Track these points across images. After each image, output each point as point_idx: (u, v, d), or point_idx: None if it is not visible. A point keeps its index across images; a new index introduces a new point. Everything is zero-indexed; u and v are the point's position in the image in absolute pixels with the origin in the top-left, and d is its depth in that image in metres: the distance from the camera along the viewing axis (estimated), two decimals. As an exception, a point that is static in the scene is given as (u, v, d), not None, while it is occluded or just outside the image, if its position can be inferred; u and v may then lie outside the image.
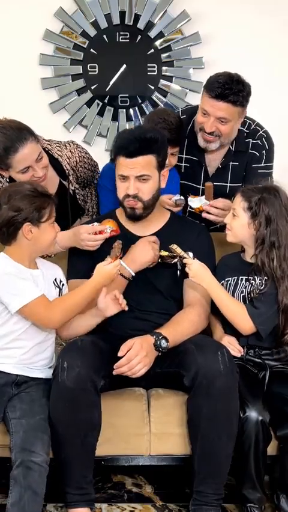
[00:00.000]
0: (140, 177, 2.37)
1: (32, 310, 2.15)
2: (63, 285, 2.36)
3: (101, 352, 2.24)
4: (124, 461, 2.34)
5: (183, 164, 2.80)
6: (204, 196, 2.60)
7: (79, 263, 2.46)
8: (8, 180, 2.62)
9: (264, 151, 2.79)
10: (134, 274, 2.40)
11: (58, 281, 2.34)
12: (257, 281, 2.32)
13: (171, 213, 2.59)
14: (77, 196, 2.84)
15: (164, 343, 2.27)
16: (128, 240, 2.45)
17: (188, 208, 2.71)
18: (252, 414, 2.17)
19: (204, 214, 2.61)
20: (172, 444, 2.29)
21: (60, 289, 2.33)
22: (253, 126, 2.80)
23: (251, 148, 2.78)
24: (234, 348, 2.35)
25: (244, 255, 2.44)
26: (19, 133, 2.47)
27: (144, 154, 2.35)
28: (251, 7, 3.59)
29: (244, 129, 2.78)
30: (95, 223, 2.46)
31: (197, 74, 3.67)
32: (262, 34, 3.62)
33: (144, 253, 2.40)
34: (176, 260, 2.33)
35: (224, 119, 2.60)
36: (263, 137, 2.79)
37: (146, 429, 2.29)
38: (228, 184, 2.82)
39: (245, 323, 2.29)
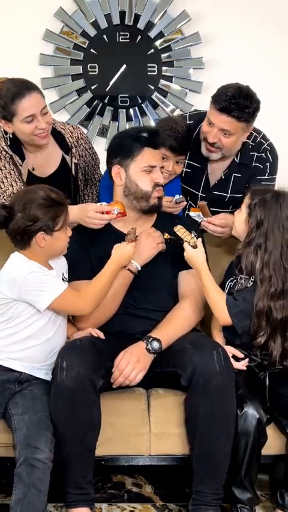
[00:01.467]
0: (161, 168, 2.50)
1: (63, 303, 2.20)
2: (66, 279, 2.37)
3: (100, 351, 2.24)
4: (124, 461, 2.35)
5: (184, 169, 2.81)
6: (201, 213, 2.61)
7: (79, 266, 2.46)
8: (6, 144, 2.65)
9: (268, 164, 2.79)
10: (139, 268, 2.42)
11: (65, 275, 2.37)
12: (243, 280, 2.33)
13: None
14: (79, 177, 2.85)
15: (155, 344, 2.29)
16: (121, 238, 2.45)
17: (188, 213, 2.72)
18: (250, 411, 2.18)
19: (202, 227, 2.61)
20: (172, 444, 2.29)
21: (66, 280, 2.36)
22: (259, 139, 2.79)
23: (255, 161, 2.78)
24: (233, 351, 2.34)
25: None
26: (27, 83, 2.57)
27: (162, 148, 2.54)
28: (251, 7, 3.59)
29: (249, 142, 2.77)
30: (104, 203, 2.47)
31: (197, 74, 3.67)
32: (262, 34, 3.62)
33: (148, 247, 2.43)
34: (178, 241, 2.37)
35: (227, 132, 2.60)
36: (267, 151, 2.79)
37: (145, 429, 2.29)
38: (228, 195, 2.83)
39: (222, 313, 2.29)
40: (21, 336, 2.22)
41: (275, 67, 3.65)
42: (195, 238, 2.34)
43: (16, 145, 2.69)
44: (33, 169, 2.72)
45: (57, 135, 2.75)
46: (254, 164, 2.79)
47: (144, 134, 2.46)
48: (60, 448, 2.14)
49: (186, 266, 2.43)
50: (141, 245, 2.43)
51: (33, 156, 2.71)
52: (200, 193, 2.84)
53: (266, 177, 2.79)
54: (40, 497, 2.03)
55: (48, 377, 2.26)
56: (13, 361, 2.22)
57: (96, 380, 2.16)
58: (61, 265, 2.36)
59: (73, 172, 2.80)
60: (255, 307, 2.25)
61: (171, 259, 2.47)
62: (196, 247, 2.33)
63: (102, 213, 2.42)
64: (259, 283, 2.26)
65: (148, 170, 2.44)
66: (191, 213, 2.62)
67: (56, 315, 2.26)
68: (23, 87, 2.53)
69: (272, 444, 2.27)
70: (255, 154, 2.78)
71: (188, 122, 2.79)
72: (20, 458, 2.05)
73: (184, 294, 2.46)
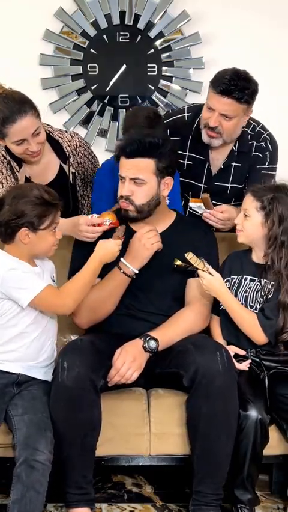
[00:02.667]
0: (134, 180, 2.35)
1: (43, 301, 2.17)
2: (54, 281, 2.36)
3: (101, 352, 2.24)
4: (124, 461, 2.34)
5: (185, 162, 2.79)
6: (203, 204, 2.58)
7: (81, 264, 2.46)
8: (4, 149, 2.65)
9: (267, 153, 2.78)
10: (136, 272, 2.39)
11: (53, 277, 2.35)
12: (269, 285, 2.32)
13: (176, 213, 2.59)
14: (77, 184, 2.84)
15: (152, 344, 2.28)
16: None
17: (188, 209, 2.71)
18: (253, 412, 2.17)
19: (203, 216, 2.60)
20: (172, 444, 2.29)
21: (55, 282, 2.35)
22: (258, 128, 2.79)
23: (254, 150, 2.77)
24: (236, 349, 2.35)
25: (252, 255, 2.42)
26: (20, 105, 2.51)
27: (142, 157, 2.34)
28: (251, 7, 3.59)
29: (248, 130, 2.77)
30: (94, 215, 2.45)
31: (197, 74, 3.67)
32: (262, 34, 3.62)
33: (140, 249, 2.38)
34: (190, 268, 2.32)
35: (228, 115, 2.59)
36: (266, 140, 2.78)
37: (146, 429, 2.29)
38: (229, 185, 2.82)
39: (258, 333, 2.29)
40: (10, 335, 2.21)
41: (275, 66, 3.66)
42: (207, 264, 2.31)
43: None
44: (29, 177, 2.71)
45: (55, 144, 2.74)
46: (253, 153, 2.77)
47: (119, 142, 2.42)
48: (61, 448, 2.14)
49: (194, 274, 2.42)
50: (134, 248, 2.39)
51: (30, 166, 2.71)
52: (202, 185, 2.82)
53: (266, 166, 2.77)
54: (38, 498, 2.03)
55: (46, 377, 2.26)
56: (8, 363, 2.22)
57: (97, 380, 2.16)
58: (50, 267, 2.36)
59: (71, 180, 2.80)
60: (282, 304, 2.27)
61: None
62: (211, 274, 2.31)
63: (94, 225, 2.41)
64: (285, 278, 2.27)
65: (120, 181, 2.39)
66: (192, 204, 2.59)
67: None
68: (15, 111, 2.48)
69: (273, 445, 2.27)
70: (254, 143, 2.77)
71: (186, 114, 2.79)
72: (20, 458, 2.04)
73: (190, 301, 2.44)
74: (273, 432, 2.26)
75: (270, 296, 2.31)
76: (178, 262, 2.34)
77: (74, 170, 2.80)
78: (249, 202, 2.33)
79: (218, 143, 2.70)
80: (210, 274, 2.31)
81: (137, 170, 2.34)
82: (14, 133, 2.50)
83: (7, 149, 2.66)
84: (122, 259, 2.38)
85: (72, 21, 3.61)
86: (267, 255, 2.32)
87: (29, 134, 2.52)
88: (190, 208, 2.65)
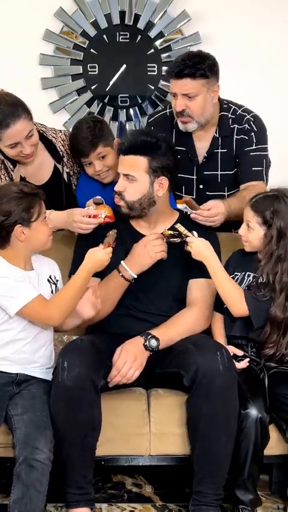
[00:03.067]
0: (126, 176, 2.39)
1: (30, 311, 2.16)
2: (57, 281, 2.35)
3: (101, 352, 2.24)
4: (124, 461, 2.34)
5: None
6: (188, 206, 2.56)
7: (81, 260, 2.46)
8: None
9: (253, 134, 2.74)
10: (135, 276, 2.39)
11: (53, 278, 2.33)
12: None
13: (179, 213, 2.59)
14: (73, 183, 2.84)
15: (153, 342, 2.29)
16: (135, 239, 2.46)
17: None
18: (253, 411, 2.17)
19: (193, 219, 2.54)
20: (172, 444, 2.29)
21: (55, 286, 2.33)
22: (239, 112, 2.76)
23: (236, 133, 2.74)
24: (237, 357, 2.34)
25: (258, 253, 2.40)
26: (13, 108, 2.52)
27: (135, 154, 2.38)
28: (251, 7, 3.59)
29: (229, 115, 2.76)
30: (91, 207, 2.46)
31: (197, 74, 3.66)
32: (262, 34, 3.62)
33: (142, 256, 2.39)
34: (180, 240, 2.33)
35: (189, 94, 2.60)
36: (250, 121, 2.75)
37: (146, 429, 2.29)
38: (219, 172, 2.80)
39: (238, 305, 2.28)
40: (7, 338, 2.20)
41: (275, 66, 3.65)
42: (196, 233, 2.32)
43: None
44: (24, 177, 2.71)
45: (48, 144, 2.75)
46: (236, 137, 2.74)
47: (121, 141, 2.47)
48: (61, 448, 2.14)
49: (197, 274, 2.42)
50: (137, 253, 2.40)
51: (24, 166, 2.71)
52: (194, 176, 2.81)
53: (254, 147, 2.74)
54: (39, 497, 2.03)
55: (46, 376, 2.26)
56: (6, 364, 2.21)
57: (97, 380, 2.16)
58: (49, 268, 2.35)
59: (65, 179, 2.80)
60: (271, 317, 2.25)
61: (183, 265, 2.45)
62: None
63: (90, 217, 2.42)
64: (277, 292, 2.26)
65: (117, 177, 2.44)
66: (179, 206, 2.58)
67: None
68: (9, 115, 2.49)
69: (273, 445, 2.27)
70: (236, 126, 2.75)
71: (168, 110, 2.82)
72: (20, 457, 2.04)
73: (191, 301, 2.44)
74: (273, 432, 2.26)
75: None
76: (166, 232, 2.35)
77: (68, 170, 2.80)
78: (251, 217, 2.32)
79: (193, 127, 2.70)
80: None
81: (130, 167, 2.38)
82: (7, 137, 2.52)
83: (0, 149, 2.66)
84: (122, 262, 2.38)
85: (72, 21, 3.61)
86: (262, 270, 2.30)
87: (22, 138, 2.54)
88: (178, 210, 2.62)
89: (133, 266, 2.39)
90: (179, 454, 2.30)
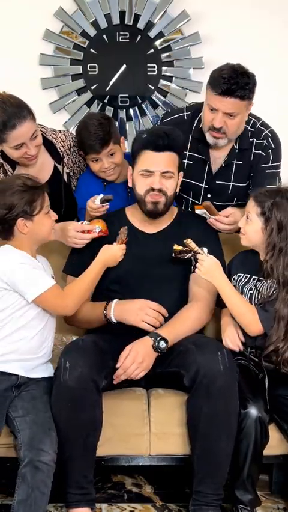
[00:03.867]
0: (165, 173, 2.40)
1: (46, 300, 2.19)
2: (52, 277, 2.35)
3: (103, 352, 2.24)
4: (124, 461, 2.35)
5: (185, 161, 2.75)
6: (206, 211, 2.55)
7: (80, 261, 2.46)
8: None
9: (270, 151, 2.74)
10: (114, 321, 2.39)
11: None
12: (268, 284, 2.30)
13: (178, 209, 2.60)
14: (73, 183, 2.85)
15: (162, 344, 2.28)
16: (137, 238, 2.46)
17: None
18: (253, 411, 2.17)
19: (210, 224, 2.56)
20: (172, 444, 2.29)
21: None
22: (258, 125, 2.75)
23: (255, 148, 2.73)
24: (234, 341, 2.32)
25: (261, 255, 2.41)
26: (18, 110, 2.52)
27: (171, 151, 2.40)
28: (251, 7, 3.59)
29: (249, 127, 2.73)
30: (85, 222, 2.47)
31: (197, 74, 3.66)
32: (262, 34, 3.62)
33: (131, 312, 2.36)
34: (189, 255, 2.31)
35: (233, 113, 2.55)
36: (268, 137, 2.74)
37: (146, 429, 2.29)
38: (231, 183, 2.79)
39: (253, 324, 2.27)
40: (13, 327, 2.21)
41: (276, 66, 3.65)
42: (206, 250, 2.29)
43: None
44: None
45: (48, 145, 2.75)
46: (254, 151, 2.73)
47: (144, 136, 2.44)
48: (63, 448, 2.14)
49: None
50: (130, 305, 2.37)
51: (25, 168, 2.70)
52: (203, 185, 2.79)
53: (270, 165, 2.74)
54: (43, 499, 2.03)
55: (44, 372, 2.26)
56: (9, 363, 2.21)
57: (99, 380, 2.16)
58: (46, 266, 2.37)
59: (65, 180, 2.81)
60: (276, 313, 2.25)
61: (184, 260, 2.45)
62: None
63: (84, 231, 2.42)
64: (281, 287, 2.25)
65: (145, 175, 2.41)
66: (197, 211, 2.57)
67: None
68: (14, 116, 2.49)
69: (273, 445, 2.27)
70: (255, 140, 2.73)
71: (185, 113, 2.78)
72: (25, 459, 2.04)
73: (194, 296, 2.45)
74: (274, 433, 2.26)
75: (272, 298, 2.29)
76: (176, 247, 2.32)
77: (68, 170, 2.81)
78: (251, 207, 2.33)
79: (223, 143, 2.66)
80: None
81: (167, 164, 2.39)
82: (13, 138, 2.52)
83: (1, 152, 2.66)
84: (114, 300, 2.39)
85: (72, 21, 3.61)
86: (266, 262, 2.30)
87: (27, 139, 2.54)
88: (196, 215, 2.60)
89: (119, 312, 2.38)
90: (179, 454, 2.30)
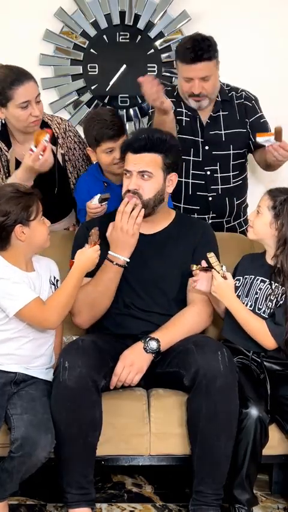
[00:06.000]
0: (142, 173, 2.38)
1: (28, 314, 2.17)
2: (57, 281, 2.36)
3: (102, 352, 2.25)
4: (124, 461, 2.35)
5: (183, 118, 2.93)
6: (273, 137, 2.68)
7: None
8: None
9: (254, 102, 3.02)
10: (128, 260, 2.38)
11: (53, 278, 2.35)
12: (279, 290, 2.30)
13: (176, 212, 2.59)
14: (67, 167, 2.88)
15: (153, 344, 2.29)
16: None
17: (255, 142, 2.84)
18: (253, 411, 2.17)
19: (268, 148, 2.71)
20: (172, 444, 2.30)
21: (55, 287, 2.34)
22: (231, 85, 3.04)
23: (236, 99, 2.99)
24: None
25: (266, 256, 2.42)
26: (24, 71, 2.68)
27: (150, 152, 2.39)
28: (251, 7, 3.59)
29: (225, 86, 3.01)
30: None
31: (197, 74, 3.66)
32: (262, 34, 3.62)
33: (123, 239, 2.36)
34: (208, 271, 2.31)
35: (206, 77, 2.79)
36: (244, 91, 3.03)
37: (146, 429, 2.29)
38: (223, 132, 2.97)
39: (268, 339, 2.27)
40: (5, 335, 2.21)
41: (275, 67, 3.65)
42: (224, 269, 2.30)
43: (3, 134, 2.77)
44: (20, 161, 2.73)
45: (44, 126, 2.79)
46: (236, 102, 2.98)
47: (129, 139, 2.47)
48: (62, 447, 2.15)
49: None
50: (117, 238, 2.37)
51: (21, 146, 2.74)
52: (200, 138, 2.96)
53: (259, 114, 3.02)
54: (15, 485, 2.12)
55: (46, 376, 2.26)
56: (7, 361, 2.22)
57: (98, 380, 2.16)
58: (50, 268, 2.36)
59: (60, 161, 2.83)
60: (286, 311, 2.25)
61: (182, 263, 2.45)
62: (226, 279, 2.29)
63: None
64: None
65: (126, 176, 2.42)
66: (259, 138, 2.71)
67: None
68: (21, 74, 2.63)
69: (273, 445, 2.27)
70: (234, 93, 3.00)
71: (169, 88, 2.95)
72: (15, 454, 2.05)
73: (192, 299, 2.45)
74: (274, 432, 2.26)
75: (281, 302, 2.29)
76: (194, 267, 2.33)
77: (63, 151, 2.84)
78: (264, 200, 2.34)
79: (206, 103, 2.89)
80: (226, 278, 2.28)
81: (145, 164, 2.38)
82: (20, 94, 2.60)
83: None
84: (110, 251, 2.38)
85: (72, 21, 3.60)
86: (277, 257, 2.31)
87: (33, 97, 2.63)
88: (257, 142, 2.77)
89: (122, 251, 2.37)
90: (179, 454, 2.31)
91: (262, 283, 2.35)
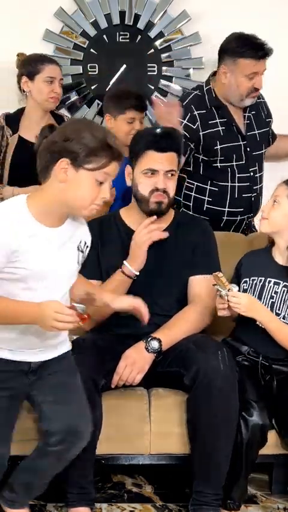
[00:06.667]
0: (168, 172, 2.40)
1: None
2: (87, 247, 2.02)
3: (102, 351, 2.25)
4: (124, 460, 2.35)
5: (220, 128, 3.03)
6: None
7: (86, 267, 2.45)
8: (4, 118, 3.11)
9: (263, 99, 3.25)
10: (136, 273, 2.40)
11: (83, 245, 2.00)
12: None
13: (175, 212, 2.60)
14: None
15: (154, 343, 2.29)
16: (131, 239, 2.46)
17: None
18: (256, 419, 2.16)
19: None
20: (172, 444, 2.30)
21: (83, 253, 2.00)
22: None
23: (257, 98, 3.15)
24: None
25: (273, 253, 2.35)
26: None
27: (173, 151, 2.41)
28: (251, 7, 3.59)
29: None
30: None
31: (197, 74, 3.65)
32: (262, 35, 3.60)
33: (135, 249, 2.40)
34: (223, 292, 2.17)
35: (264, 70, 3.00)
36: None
37: (146, 428, 2.29)
38: (256, 132, 3.13)
39: None
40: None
41: (275, 67, 3.64)
42: (236, 289, 2.20)
43: (14, 119, 3.11)
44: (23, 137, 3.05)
45: (56, 117, 3.16)
46: (257, 101, 3.11)
47: (149, 136, 2.44)
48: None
49: (197, 271, 2.42)
50: (131, 249, 2.40)
51: (29, 131, 3.01)
52: (241, 142, 3.06)
53: (269, 112, 3.25)
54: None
55: (62, 349, 2.05)
56: (18, 351, 1.95)
57: (98, 379, 2.16)
58: (82, 232, 2.00)
59: None
60: None
61: (183, 263, 2.45)
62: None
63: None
64: None
65: (149, 175, 2.41)
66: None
67: (48, 294, 1.87)
68: (52, 59, 3.12)
69: (273, 444, 2.27)
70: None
71: (197, 92, 3.08)
72: (53, 448, 2.01)
73: (193, 298, 2.44)
74: (274, 432, 2.26)
75: None
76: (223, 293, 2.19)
77: None
78: (282, 190, 2.28)
79: (254, 100, 3.07)
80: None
81: (171, 163, 2.41)
82: (49, 70, 3.01)
83: (7, 117, 3.13)
84: (125, 262, 2.40)
85: (72, 21, 3.60)
86: None
87: (58, 77, 3.04)
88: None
89: (132, 263, 2.40)
90: (179, 453, 2.31)
91: (276, 286, 2.28)
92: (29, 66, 3.02)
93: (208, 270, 2.37)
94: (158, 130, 2.47)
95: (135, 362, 2.27)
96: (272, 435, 2.25)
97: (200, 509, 2.21)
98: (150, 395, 2.35)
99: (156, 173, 2.40)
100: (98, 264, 2.45)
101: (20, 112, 3.19)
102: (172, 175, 2.42)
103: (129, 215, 2.53)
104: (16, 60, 3.19)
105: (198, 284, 2.43)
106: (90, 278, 2.35)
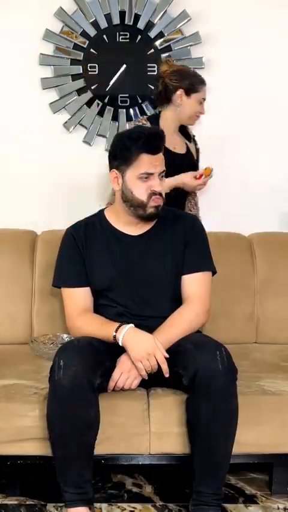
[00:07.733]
0: (161, 173, 2.38)
1: None
2: None
3: (98, 351, 2.24)
4: (124, 459, 2.35)
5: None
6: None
7: (73, 271, 2.45)
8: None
9: None
10: (121, 345, 2.28)
11: None
12: None
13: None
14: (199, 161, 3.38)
15: None
16: (122, 241, 2.44)
17: None
18: None
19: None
20: (172, 443, 2.30)
21: None
22: None
23: None
24: None
25: None
26: None
27: (161, 151, 2.39)
28: (251, 7, 3.59)
29: None
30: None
31: (197, 74, 3.66)
32: (262, 35, 3.62)
33: (136, 350, 2.25)
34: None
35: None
36: None
37: (145, 428, 2.29)
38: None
39: None
40: None
41: (275, 67, 3.65)
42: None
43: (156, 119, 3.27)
44: (174, 147, 3.17)
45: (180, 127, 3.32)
46: None
47: (139, 139, 2.33)
48: (58, 447, 2.14)
49: (189, 270, 2.41)
50: (133, 347, 2.25)
51: (173, 139, 3.18)
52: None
53: None
54: None
55: None
56: None
57: (94, 378, 2.15)
58: None
59: (195, 156, 3.30)
60: None
61: (174, 263, 2.44)
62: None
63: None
64: None
65: (144, 178, 2.36)
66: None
67: None
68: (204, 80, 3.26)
69: (273, 443, 2.27)
70: None
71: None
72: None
73: (187, 297, 2.43)
74: (275, 432, 2.26)
75: None
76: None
77: (198, 147, 3.34)
78: None
79: None
80: None
81: (162, 164, 2.39)
82: (203, 92, 3.21)
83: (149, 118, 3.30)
84: (129, 326, 2.29)
85: (72, 21, 3.60)
86: None
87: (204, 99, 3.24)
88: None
89: (127, 338, 2.26)
90: (178, 453, 2.31)
91: None
92: (190, 84, 3.18)
93: (201, 268, 2.37)
94: (146, 131, 2.37)
95: (131, 369, 2.27)
96: (272, 435, 2.25)
97: (200, 509, 2.20)
98: (149, 395, 2.35)
99: (151, 176, 2.35)
100: (85, 272, 2.43)
101: (158, 116, 3.29)
102: (162, 176, 2.39)
103: (115, 216, 2.49)
104: (164, 63, 3.31)
105: (192, 282, 2.41)
106: (78, 287, 2.38)
